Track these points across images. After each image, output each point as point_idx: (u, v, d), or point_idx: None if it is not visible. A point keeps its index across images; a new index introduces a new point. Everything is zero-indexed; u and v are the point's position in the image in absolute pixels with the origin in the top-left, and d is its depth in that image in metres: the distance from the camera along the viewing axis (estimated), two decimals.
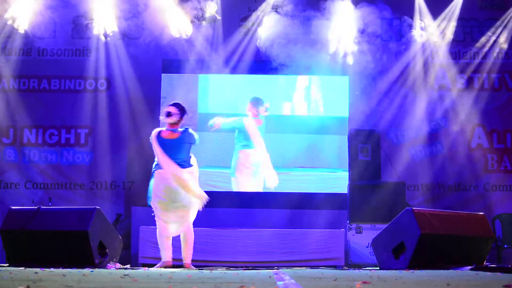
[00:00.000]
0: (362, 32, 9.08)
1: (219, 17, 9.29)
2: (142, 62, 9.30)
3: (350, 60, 9.07)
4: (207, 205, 8.87)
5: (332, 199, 8.93)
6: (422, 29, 9.31)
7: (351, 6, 8.87)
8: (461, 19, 9.38)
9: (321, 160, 9.14)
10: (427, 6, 9.32)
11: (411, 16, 9.24)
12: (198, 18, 9.29)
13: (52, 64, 9.39)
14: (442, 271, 5.28)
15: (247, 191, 8.91)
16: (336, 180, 9.00)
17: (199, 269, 5.93)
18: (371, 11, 8.82)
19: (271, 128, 9.10)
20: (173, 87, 9.38)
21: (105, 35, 9.26)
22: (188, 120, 9.17)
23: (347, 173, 8.61)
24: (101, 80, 9.43)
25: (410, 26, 9.21)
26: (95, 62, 9.37)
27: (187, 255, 6.35)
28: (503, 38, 9.34)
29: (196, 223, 6.61)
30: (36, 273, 4.38)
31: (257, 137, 8.61)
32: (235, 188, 8.81)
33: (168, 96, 9.27)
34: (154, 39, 9.15)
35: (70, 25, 9.30)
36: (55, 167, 9.29)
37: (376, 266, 6.59)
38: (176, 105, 6.56)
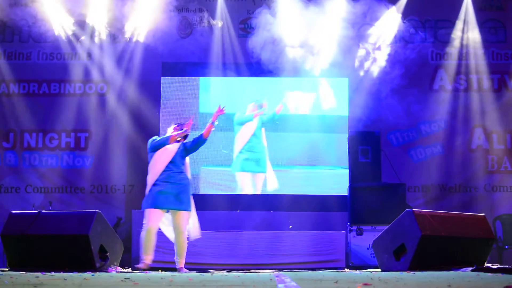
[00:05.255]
0: (362, 32, 9.09)
1: (220, 22, 9.31)
2: (141, 65, 9.32)
3: (349, 61, 9.09)
4: (207, 208, 8.87)
5: (333, 201, 8.93)
6: (422, 30, 9.32)
7: (350, 5, 8.84)
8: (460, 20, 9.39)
9: (320, 158, 9.16)
10: (428, 7, 9.35)
11: (413, 17, 9.24)
12: (198, 21, 9.31)
13: (52, 68, 9.41)
14: (443, 272, 5.28)
15: (247, 194, 8.92)
16: (335, 178, 9.03)
17: (200, 273, 5.94)
18: (371, 11, 8.82)
19: (271, 127, 9.14)
20: (174, 89, 9.39)
21: (105, 39, 9.28)
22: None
23: (346, 171, 8.65)
24: (101, 84, 9.44)
25: (411, 27, 9.21)
26: (95, 66, 9.39)
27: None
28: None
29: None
30: (37, 277, 4.38)
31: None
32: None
33: (171, 97, 9.29)
34: (154, 43, 9.17)
35: (70, 29, 9.30)
36: (55, 171, 9.29)
37: (377, 268, 6.59)
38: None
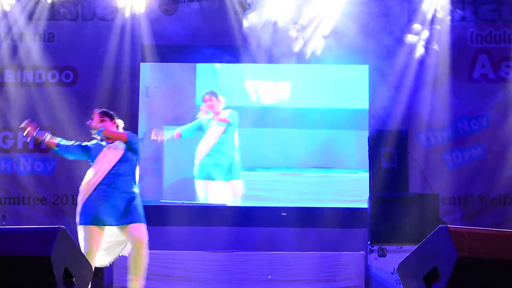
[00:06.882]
0: (386, 9, 9.10)
1: None
2: (117, 48, 9.31)
3: (370, 44, 9.09)
4: (195, 224, 8.86)
5: (349, 214, 8.96)
6: (461, 6, 9.31)
7: None
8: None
9: (338, 160, 9.23)
10: None
11: None
12: None
13: (6, 51, 9.40)
14: None
15: (244, 205, 8.94)
16: (357, 183, 9.08)
17: None
18: None
19: (276, 123, 9.18)
20: (161, 77, 9.41)
21: (71, 16, 9.30)
22: (185, 113, 9.26)
23: (365, 174, 8.76)
24: (66, 71, 9.44)
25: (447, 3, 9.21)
26: (59, 49, 9.38)
27: None
28: None
29: (181, 246, 6.63)
30: None
31: None
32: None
33: (162, 86, 9.32)
34: (132, 20, 9.18)
35: (28, 3, 9.27)
36: (10, 178, 9.29)
37: None
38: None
